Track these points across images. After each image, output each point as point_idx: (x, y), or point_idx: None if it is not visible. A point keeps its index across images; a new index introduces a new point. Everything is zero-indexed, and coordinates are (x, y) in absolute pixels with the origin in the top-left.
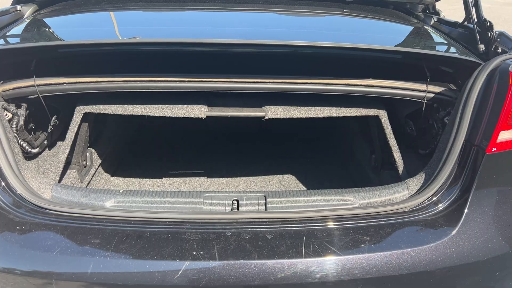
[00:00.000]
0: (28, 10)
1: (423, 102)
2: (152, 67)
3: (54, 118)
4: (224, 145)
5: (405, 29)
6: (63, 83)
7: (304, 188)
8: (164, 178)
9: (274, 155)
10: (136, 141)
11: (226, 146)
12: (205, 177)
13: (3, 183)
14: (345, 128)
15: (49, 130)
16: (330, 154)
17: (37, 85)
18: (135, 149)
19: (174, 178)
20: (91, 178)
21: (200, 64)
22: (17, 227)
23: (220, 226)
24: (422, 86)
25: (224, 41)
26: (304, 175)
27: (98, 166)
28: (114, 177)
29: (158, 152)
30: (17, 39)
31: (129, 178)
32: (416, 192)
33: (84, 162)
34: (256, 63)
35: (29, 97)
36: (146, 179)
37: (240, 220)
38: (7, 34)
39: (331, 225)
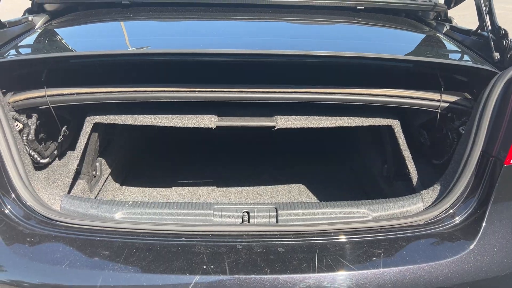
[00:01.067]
0: (39, 21)
1: (437, 112)
2: (162, 77)
3: (64, 128)
4: (233, 154)
5: (418, 37)
6: (73, 94)
7: (315, 199)
8: (173, 187)
9: (284, 164)
10: (145, 150)
11: (235, 155)
12: (214, 187)
13: (13, 195)
14: (356, 137)
15: (59, 140)
16: (341, 164)
17: (48, 96)
18: (144, 158)
19: (183, 188)
20: (101, 188)
21: (210, 74)
22: (27, 239)
23: (230, 239)
24: (436, 96)
25: (234, 51)
26: (314, 185)
27: (108, 176)
28: (124, 187)
29: (167, 161)
30: (29, 50)
31: (138, 188)
32: (431, 204)
33: (94, 172)
34: (267, 72)
35: (40, 107)
36: (155, 188)
37: (250, 233)
38: (19, 44)
39: (344, 238)
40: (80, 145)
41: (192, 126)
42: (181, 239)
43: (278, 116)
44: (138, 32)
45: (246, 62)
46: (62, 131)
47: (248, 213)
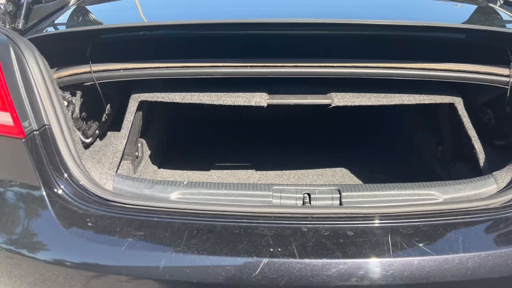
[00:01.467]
0: None
1: (506, 88)
2: (209, 52)
3: (108, 106)
4: (271, 137)
5: (475, 10)
6: (119, 69)
7: (360, 183)
8: (211, 171)
9: (324, 147)
10: (181, 132)
11: (273, 138)
12: (253, 170)
13: (65, 174)
14: (403, 117)
15: (103, 119)
16: (386, 147)
17: (93, 72)
18: (180, 141)
19: (222, 171)
20: (142, 170)
21: (257, 48)
22: (83, 220)
23: (294, 221)
24: (505, 71)
25: (288, 21)
26: (357, 169)
27: (147, 158)
28: (161, 169)
29: (204, 143)
30: (69, 25)
31: (176, 170)
32: (506, 186)
33: (137, 153)
34: (319, 46)
35: (85, 84)
36: (193, 171)
37: (315, 215)
38: (56, 21)
39: (416, 221)
40: (127, 124)
41: (242, 104)
42: (242, 220)
43: (334, 93)
44: (182, 5)
45: (299, 35)
46: (107, 109)
47: (309, 194)
